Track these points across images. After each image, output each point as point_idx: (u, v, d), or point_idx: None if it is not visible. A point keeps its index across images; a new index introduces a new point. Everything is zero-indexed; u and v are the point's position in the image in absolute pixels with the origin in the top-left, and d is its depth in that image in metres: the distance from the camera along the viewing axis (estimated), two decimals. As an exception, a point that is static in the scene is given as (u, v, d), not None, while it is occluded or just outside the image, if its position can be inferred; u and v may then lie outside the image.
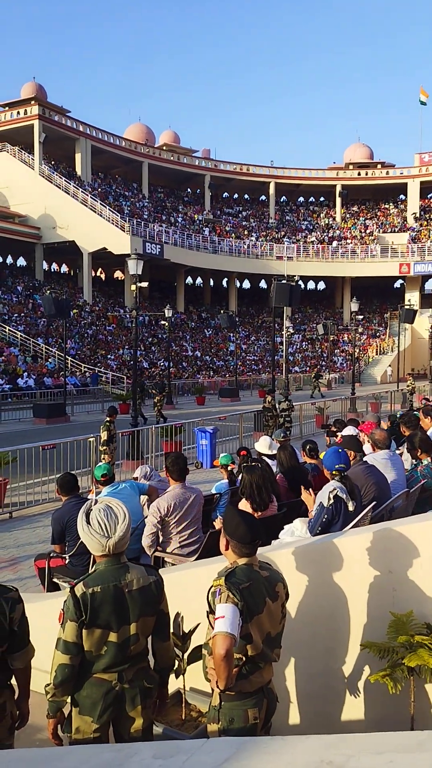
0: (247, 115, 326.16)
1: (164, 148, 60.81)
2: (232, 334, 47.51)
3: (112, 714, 2.79)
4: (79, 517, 2.94)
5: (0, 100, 50.15)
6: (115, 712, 2.80)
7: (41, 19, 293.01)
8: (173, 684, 3.25)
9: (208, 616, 2.82)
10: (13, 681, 2.95)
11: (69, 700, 2.82)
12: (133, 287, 16.65)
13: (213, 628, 2.67)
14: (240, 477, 6.98)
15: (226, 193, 66.13)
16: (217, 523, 5.73)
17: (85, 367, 35.29)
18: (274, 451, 6.76)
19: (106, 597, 2.74)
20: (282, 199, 65.80)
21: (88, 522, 2.89)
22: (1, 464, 10.17)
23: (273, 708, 2.93)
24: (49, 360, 34.92)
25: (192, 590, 3.92)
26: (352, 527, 3.97)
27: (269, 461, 6.53)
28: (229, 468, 7.21)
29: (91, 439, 11.49)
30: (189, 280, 61.14)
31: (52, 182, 47.31)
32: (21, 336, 35.93)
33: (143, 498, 6.18)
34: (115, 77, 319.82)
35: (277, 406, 17.21)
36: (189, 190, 64.20)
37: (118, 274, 58.70)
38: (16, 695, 2.96)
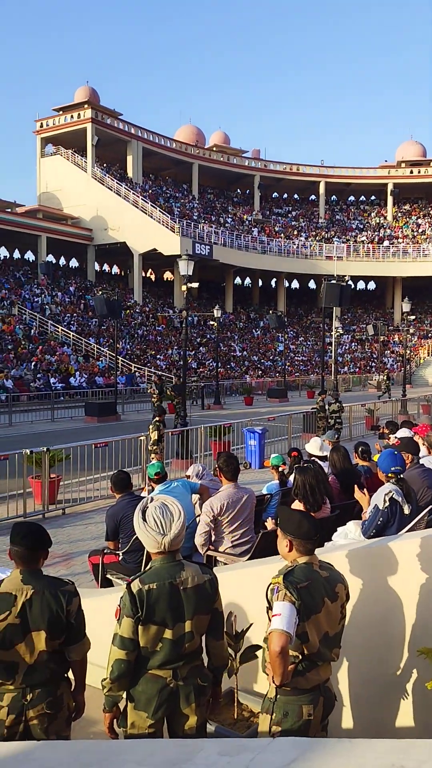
0: (297, 114, 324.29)
1: (214, 149, 61.02)
2: (280, 335, 47.30)
3: (166, 711, 2.82)
4: (136, 514, 2.97)
5: (55, 104, 51.21)
6: (170, 708, 2.82)
7: (95, 24, 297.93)
8: (225, 683, 3.26)
9: (267, 612, 2.84)
10: (70, 674, 3.01)
11: (124, 695, 2.86)
12: (184, 288, 16.76)
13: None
14: (292, 478, 6.96)
15: (275, 193, 65.89)
16: (269, 524, 5.72)
17: (134, 366, 35.72)
18: (325, 453, 6.71)
19: (161, 594, 2.77)
20: (332, 199, 65.15)
21: (144, 519, 2.91)
22: (55, 461, 10.37)
23: (330, 706, 2.94)
24: (100, 359, 35.47)
25: (245, 590, 3.91)
26: (407, 531, 3.90)
27: (320, 463, 6.48)
28: (280, 469, 7.18)
29: (141, 438, 11.63)
30: (237, 280, 61.17)
31: (104, 184, 48.09)
32: (73, 336, 36.62)
33: (195, 497, 6.22)
34: (166, 79, 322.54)
35: (326, 407, 17.05)
36: (238, 190, 64.23)
37: (167, 275, 59.20)
38: (72, 687, 3.02)
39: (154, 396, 19.73)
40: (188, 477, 6.45)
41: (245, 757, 1.32)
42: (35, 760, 1.52)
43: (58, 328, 36.86)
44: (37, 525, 2.98)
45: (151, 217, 46.43)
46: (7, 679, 2.76)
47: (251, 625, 3.48)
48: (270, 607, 2.79)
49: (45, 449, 10.01)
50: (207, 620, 2.91)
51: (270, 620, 2.74)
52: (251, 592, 3.32)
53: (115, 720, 2.89)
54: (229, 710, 3.70)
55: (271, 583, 2.84)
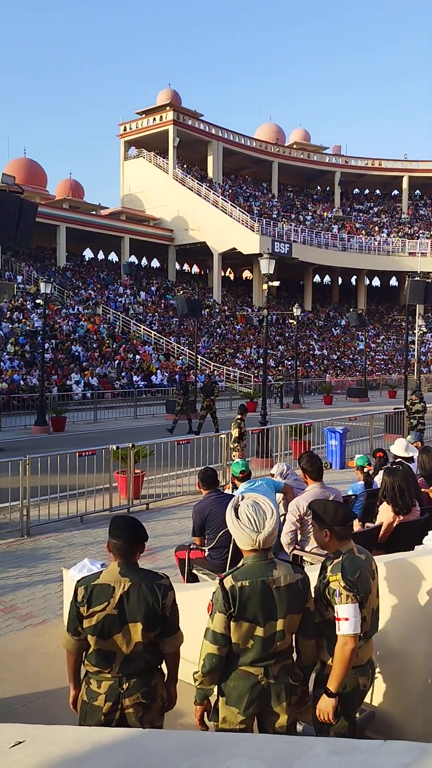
0: (379, 109, 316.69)
1: (294, 146, 60.58)
2: (360, 333, 46.42)
3: (257, 708, 2.84)
4: (228, 511, 2.99)
5: (138, 108, 52.33)
6: (261, 706, 2.84)
7: (176, 26, 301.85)
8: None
9: (315, 603, 3.03)
10: (163, 666, 3.07)
11: (215, 689, 2.90)
12: (265, 286, 16.74)
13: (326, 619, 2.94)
14: (378, 479, 6.82)
15: (356, 189, 64.67)
16: (356, 525, 5.63)
17: (213, 365, 36.01)
18: (410, 454, 6.54)
19: (253, 592, 2.79)
20: (416, 193, 63.28)
21: (237, 517, 2.93)
22: (140, 457, 10.59)
23: (374, 676, 3.23)
24: (180, 358, 35.97)
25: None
26: None
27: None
28: (365, 470, 7.06)
29: (222, 436, 11.72)
30: (317, 278, 60.47)
31: (184, 185, 48.70)
32: (155, 335, 37.31)
33: (278, 496, 6.21)
34: (246, 78, 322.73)
35: (410, 407, 16.58)
36: (318, 187, 63.46)
37: (246, 274, 59.28)
38: (165, 679, 3.08)
39: (180, 398, 19.61)
40: (272, 476, 6.45)
41: (357, 757, 1.31)
42: (146, 746, 1.57)
43: (141, 327, 37.66)
44: (134, 519, 3.06)
45: (231, 216, 46.63)
46: (104, 668, 2.86)
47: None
48: (328, 604, 2.99)
49: (130, 445, 10.25)
50: (298, 619, 2.91)
51: (321, 614, 3.00)
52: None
53: (205, 713, 2.93)
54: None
55: (329, 581, 2.99)
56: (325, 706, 2.95)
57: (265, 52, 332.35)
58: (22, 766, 1.53)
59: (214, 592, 2.88)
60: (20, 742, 1.77)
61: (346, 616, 2.85)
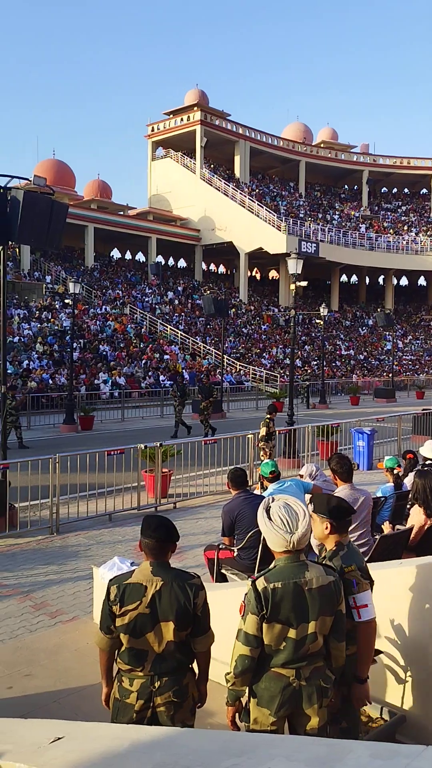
0: (409, 106, 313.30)
1: (322, 145, 60.25)
2: (388, 333, 45.97)
3: (288, 710, 2.83)
4: (260, 513, 2.99)
5: (165, 109, 52.52)
6: (292, 708, 2.84)
7: (204, 26, 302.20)
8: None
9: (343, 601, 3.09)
10: (194, 665, 3.09)
11: (247, 690, 2.90)
12: (292, 287, 16.67)
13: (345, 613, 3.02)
14: (407, 481, 6.75)
15: (384, 188, 64.09)
16: (386, 527, 5.59)
17: (239, 365, 35.99)
18: (442, 456, 6.45)
19: (286, 593, 2.79)
20: (446, 192, 62.49)
21: (269, 518, 2.93)
22: (167, 456, 10.64)
23: None
24: (206, 358, 36.02)
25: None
26: None
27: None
28: (395, 471, 6.99)
29: (249, 436, 11.70)
30: (344, 277, 60.07)
31: (211, 185, 48.76)
32: (181, 334, 37.42)
33: (307, 497, 6.18)
34: (274, 78, 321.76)
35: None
36: (346, 186, 63.02)
37: (272, 274, 59.13)
38: (196, 678, 3.10)
39: (176, 399, 18.76)
40: (300, 476, 6.42)
41: (399, 762, 1.30)
42: (184, 746, 1.58)
43: (167, 327, 37.80)
44: (166, 519, 3.07)
45: (258, 216, 46.56)
46: (136, 666, 2.89)
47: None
48: (347, 593, 3.09)
49: (158, 444, 10.29)
50: (330, 621, 2.90)
51: (356, 608, 3.09)
52: (374, 595, 3.26)
53: (237, 714, 2.94)
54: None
55: (346, 572, 3.10)
56: (360, 693, 3.12)
57: (293, 50, 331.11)
58: (63, 762, 1.55)
59: (246, 593, 2.88)
60: (59, 738, 1.80)
61: (365, 603, 3.00)
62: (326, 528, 3.20)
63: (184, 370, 32.80)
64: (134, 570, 3.00)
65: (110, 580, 2.99)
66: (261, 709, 2.85)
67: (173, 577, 2.94)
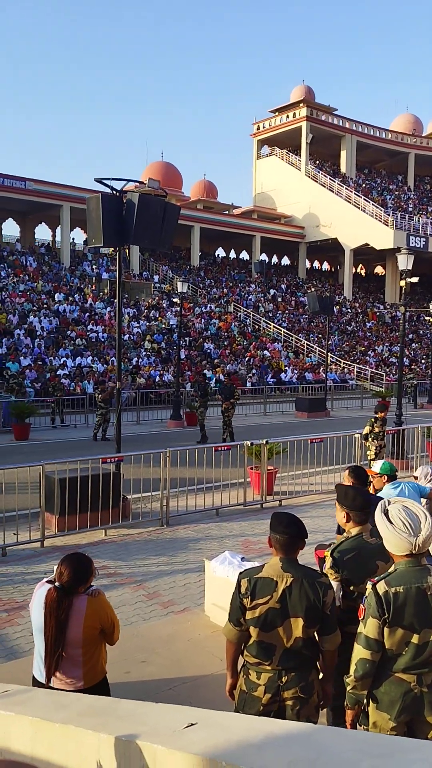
0: None
1: (433, 135, 57.94)
2: None
3: (409, 715, 2.77)
4: (379, 516, 2.93)
5: (271, 106, 52.48)
6: (412, 714, 2.77)
7: (310, 20, 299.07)
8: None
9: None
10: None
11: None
12: (402, 283, 16.17)
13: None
14: None
15: None
16: None
17: (343, 363, 35.38)
18: None
19: (408, 598, 2.73)
20: None
21: (389, 521, 2.87)
22: (273, 454, 10.65)
23: None
24: (310, 356, 35.70)
25: None
26: None
27: None
28: None
29: (355, 435, 11.49)
30: (456, 273, 57.39)
31: (316, 181, 48.21)
32: (284, 332, 37.31)
33: (422, 501, 5.97)
34: (382, 69, 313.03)
35: None
36: (459, 177, 60.26)
37: (378, 270, 57.60)
38: (321, 676, 3.09)
39: (198, 400, 17.72)
40: (415, 478, 6.22)
41: None
42: (321, 743, 1.58)
43: (270, 324, 37.80)
44: (295, 516, 3.10)
45: (364, 211, 45.52)
46: (265, 660, 2.91)
47: None
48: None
49: (264, 442, 10.33)
50: None
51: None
52: None
53: (357, 717, 2.91)
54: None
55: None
56: None
57: (401, 40, 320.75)
58: (202, 748, 1.60)
59: (365, 597, 2.85)
60: (192, 724, 1.85)
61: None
62: (344, 517, 3.52)
63: (288, 368, 32.65)
64: (264, 564, 3.05)
65: (240, 573, 3.06)
66: (380, 713, 2.80)
67: (303, 574, 2.96)
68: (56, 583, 3.20)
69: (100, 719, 2.06)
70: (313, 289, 26.03)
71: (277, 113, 51.68)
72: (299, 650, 2.90)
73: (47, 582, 3.29)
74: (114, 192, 8.89)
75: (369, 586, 2.86)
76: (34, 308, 30.00)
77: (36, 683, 3.29)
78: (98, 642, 3.25)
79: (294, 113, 49.84)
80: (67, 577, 3.17)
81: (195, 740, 1.67)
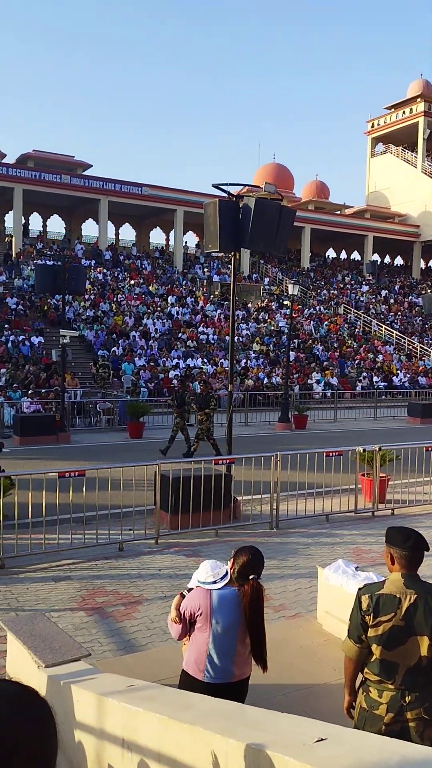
0: None
1: None
2: None
3: None
4: None
5: (386, 103, 51.05)
6: None
7: (428, 12, 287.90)
8: None
9: None
10: None
11: None
12: None
13: None
14: None
15: None
16: None
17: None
18: None
19: None
20: None
21: None
22: (386, 461, 10.36)
23: None
24: (424, 359, 34.40)
25: None
26: None
27: None
28: None
29: None
30: None
31: (433, 178, 46.39)
32: (396, 335, 36.18)
33: None
34: None
35: None
36: None
37: None
38: None
39: (175, 410, 15.14)
40: None
41: None
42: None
43: (382, 327, 36.78)
44: (416, 531, 2.99)
45: None
46: (387, 678, 2.83)
47: None
48: None
49: (377, 448, 10.07)
50: None
51: None
52: None
53: None
54: None
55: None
56: None
57: None
58: (336, 765, 1.59)
59: None
60: (322, 739, 1.84)
61: None
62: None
63: (400, 371, 31.62)
64: (384, 580, 2.98)
65: (360, 590, 2.99)
66: None
67: (427, 590, 2.86)
68: (251, 576, 3.34)
69: (227, 723, 2.09)
70: (429, 290, 25.00)
71: (393, 109, 50.21)
72: (423, 669, 2.80)
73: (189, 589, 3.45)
74: (230, 197, 9.00)
75: None
76: (149, 311, 30.95)
77: (198, 686, 3.33)
78: None
79: (411, 109, 48.22)
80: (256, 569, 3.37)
81: (326, 756, 1.66)
